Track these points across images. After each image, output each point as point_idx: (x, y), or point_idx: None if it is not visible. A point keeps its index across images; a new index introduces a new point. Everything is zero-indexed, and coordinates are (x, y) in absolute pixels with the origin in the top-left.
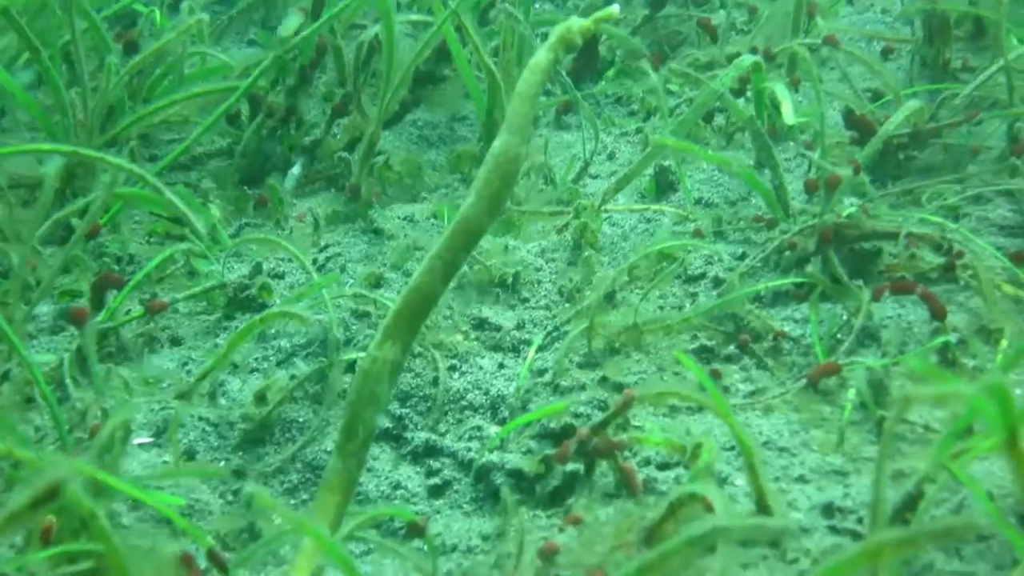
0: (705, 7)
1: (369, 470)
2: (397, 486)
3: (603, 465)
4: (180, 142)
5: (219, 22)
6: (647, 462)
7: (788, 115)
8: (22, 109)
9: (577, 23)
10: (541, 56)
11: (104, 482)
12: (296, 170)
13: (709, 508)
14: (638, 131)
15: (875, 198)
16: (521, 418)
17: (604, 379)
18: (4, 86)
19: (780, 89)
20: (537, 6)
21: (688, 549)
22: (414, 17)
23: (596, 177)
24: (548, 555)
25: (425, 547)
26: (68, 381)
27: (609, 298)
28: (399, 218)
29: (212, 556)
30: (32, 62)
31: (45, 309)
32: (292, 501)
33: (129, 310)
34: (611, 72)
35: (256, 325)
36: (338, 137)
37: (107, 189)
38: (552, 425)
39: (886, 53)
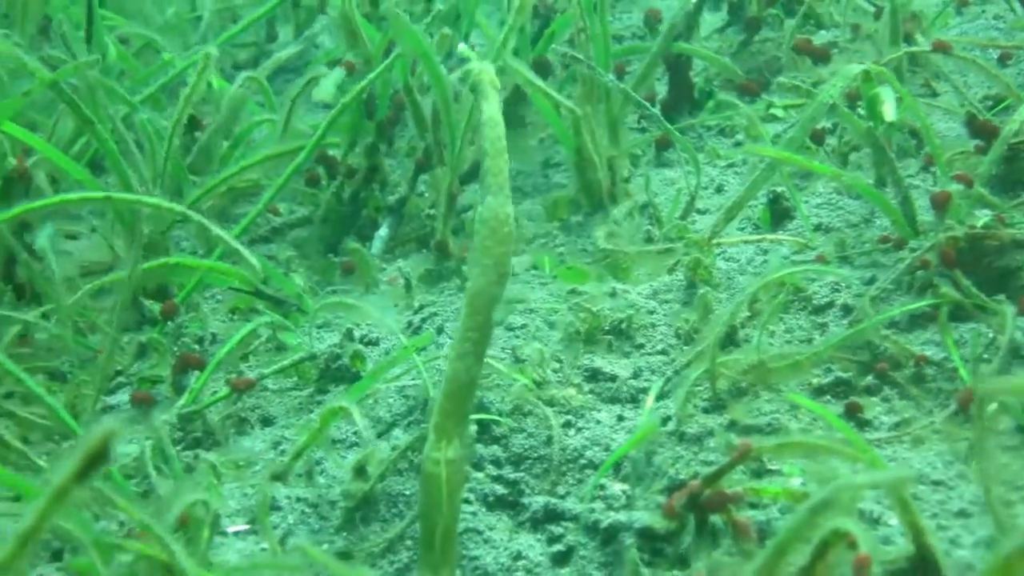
0: (804, 30)
1: (486, 541)
2: (518, 557)
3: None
4: None
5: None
6: (789, 509)
7: (889, 112)
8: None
9: (484, 66)
10: (491, 109)
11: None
12: (383, 232)
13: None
14: (745, 161)
15: (1006, 208)
16: (608, 461)
17: (733, 423)
18: (62, 167)
19: (884, 91)
20: None
21: None
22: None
23: (705, 212)
24: None
25: None
26: (151, 471)
27: (730, 336)
28: None
29: None
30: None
31: (125, 398)
32: None
33: (214, 391)
34: (711, 103)
35: (340, 411)
36: (425, 195)
37: (132, 262)
38: (682, 476)
39: (1003, 60)
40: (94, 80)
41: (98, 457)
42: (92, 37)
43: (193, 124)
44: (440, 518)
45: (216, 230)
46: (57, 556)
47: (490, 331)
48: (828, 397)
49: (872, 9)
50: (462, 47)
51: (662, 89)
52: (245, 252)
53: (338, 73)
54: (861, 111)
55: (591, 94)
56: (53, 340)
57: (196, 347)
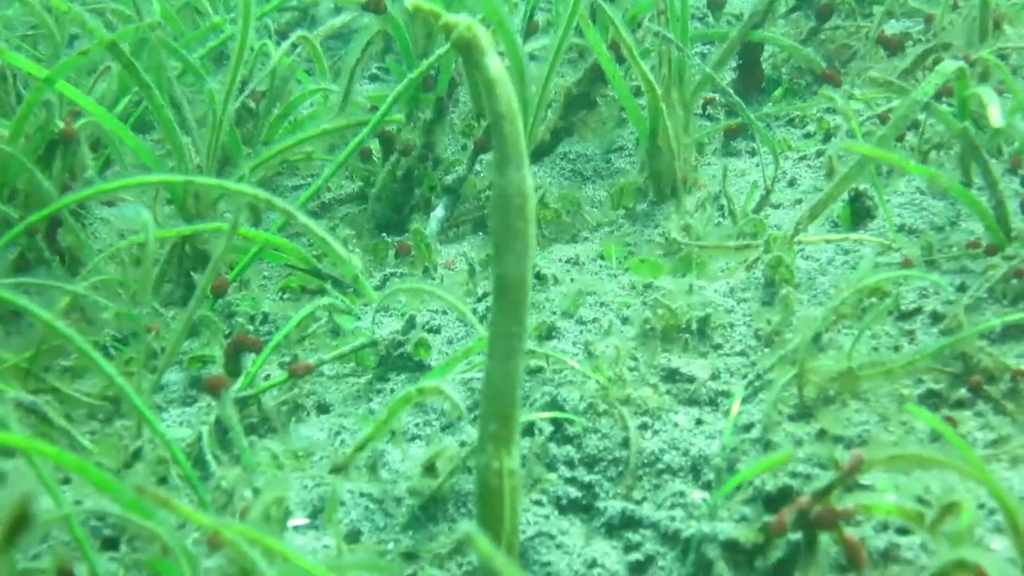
0: (872, 17)
1: (559, 547)
2: (592, 564)
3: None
4: (306, 188)
5: (337, 58)
6: (884, 527)
7: (996, 118)
8: (133, 155)
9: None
10: (494, 65)
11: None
12: (439, 212)
13: None
14: (818, 155)
15: None
16: (738, 476)
17: (822, 433)
18: (113, 131)
19: (986, 92)
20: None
21: None
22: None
23: (778, 206)
24: None
25: None
26: (209, 458)
27: (814, 340)
28: (561, 260)
29: None
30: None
31: (174, 377)
32: None
33: (268, 375)
34: (778, 92)
35: (413, 397)
36: (482, 175)
37: (229, 232)
38: (768, 487)
39: None
40: (157, 41)
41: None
42: None
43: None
44: (502, 531)
45: (303, 218)
46: (110, 545)
47: (524, 321)
48: None
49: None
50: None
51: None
52: (335, 243)
53: None
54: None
55: (671, 77)
56: (96, 313)
57: (249, 327)
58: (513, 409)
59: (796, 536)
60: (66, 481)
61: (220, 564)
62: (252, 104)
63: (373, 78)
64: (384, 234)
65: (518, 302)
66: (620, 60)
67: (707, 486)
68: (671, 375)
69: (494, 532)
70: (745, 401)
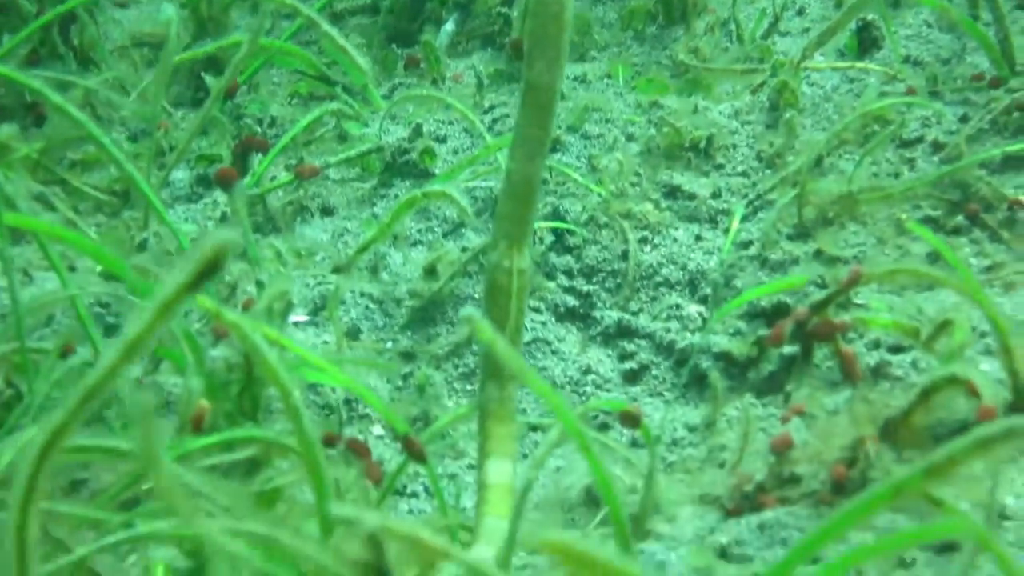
0: None
1: (555, 352)
2: (587, 371)
3: (825, 350)
4: None
5: None
6: (876, 345)
7: None
8: None
9: None
10: None
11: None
12: (449, 26)
13: (971, 394)
14: None
15: None
16: (750, 293)
17: (819, 252)
18: None
19: None
20: None
21: (979, 451)
22: None
23: (786, 35)
24: (782, 449)
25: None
26: None
27: (816, 164)
28: (569, 78)
29: (408, 442)
30: None
31: (181, 175)
32: (468, 387)
33: (274, 177)
34: None
35: (418, 200)
36: None
37: (253, 35)
38: (763, 303)
39: None
40: None
41: (210, 269)
42: None
43: None
44: (506, 328)
45: (325, 26)
46: (113, 331)
47: (551, 127)
48: (915, 235)
49: None
50: None
51: None
52: (353, 52)
53: None
54: None
55: None
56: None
57: (257, 129)
58: (529, 211)
59: (789, 350)
60: (72, 269)
61: (224, 354)
62: None
63: None
64: (394, 45)
65: (545, 107)
66: None
67: (703, 300)
68: (672, 192)
69: (499, 328)
70: (745, 219)
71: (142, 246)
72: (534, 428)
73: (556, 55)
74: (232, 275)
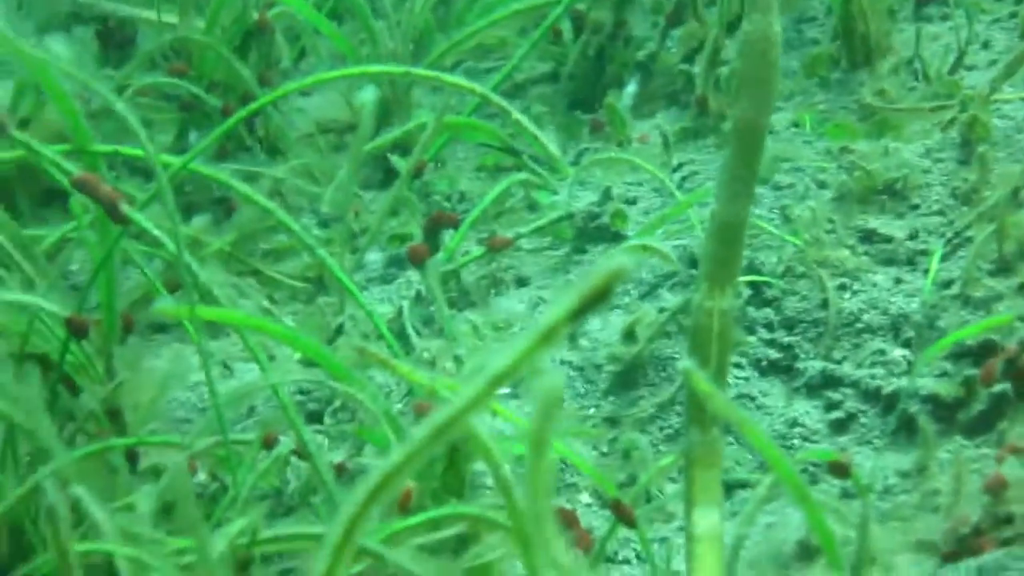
0: None
1: (760, 407)
2: (793, 423)
3: None
4: (498, 71)
5: None
6: None
7: None
8: (328, 43)
9: None
10: None
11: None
12: (631, 88)
13: None
14: (1012, 16)
15: None
16: (956, 334)
17: (1022, 287)
18: (308, 20)
19: None
20: None
21: None
22: None
23: (972, 68)
24: (997, 489)
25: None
26: (410, 331)
27: (1013, 196)
28: None
29: (617, 507)
30: None
31: (374, 257)
32: (674, 448)
33: (466, 252)
34: None
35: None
36: (673, 50)
37: (439, 115)
38: (968, 342)
39: None
40: None
41: (599, 296)
42: None
43: None
44: (709, 370)
45: (516, 114)
46: (315, 419)
47: (758, 167)
48: None
49: None
50: None
51: None
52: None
53: None
54: None
55: None
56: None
57: (446, 205)
58: (733, 252)
59: (999, 388)
60: (271, 358)
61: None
62: None
63: None
64: (577, 112)
65: (752, 148)
66: None
67: (907, 344)
68: (868, 236)
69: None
70: (944, 259)
71: (339, 330)
72: (742, 485)
73: (764, 94)
74: (431, 352)
